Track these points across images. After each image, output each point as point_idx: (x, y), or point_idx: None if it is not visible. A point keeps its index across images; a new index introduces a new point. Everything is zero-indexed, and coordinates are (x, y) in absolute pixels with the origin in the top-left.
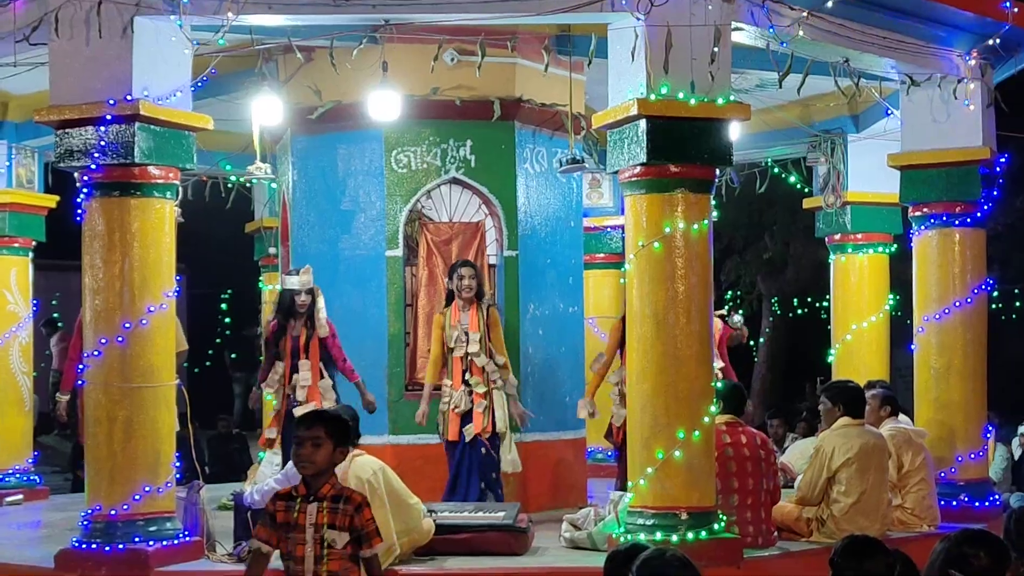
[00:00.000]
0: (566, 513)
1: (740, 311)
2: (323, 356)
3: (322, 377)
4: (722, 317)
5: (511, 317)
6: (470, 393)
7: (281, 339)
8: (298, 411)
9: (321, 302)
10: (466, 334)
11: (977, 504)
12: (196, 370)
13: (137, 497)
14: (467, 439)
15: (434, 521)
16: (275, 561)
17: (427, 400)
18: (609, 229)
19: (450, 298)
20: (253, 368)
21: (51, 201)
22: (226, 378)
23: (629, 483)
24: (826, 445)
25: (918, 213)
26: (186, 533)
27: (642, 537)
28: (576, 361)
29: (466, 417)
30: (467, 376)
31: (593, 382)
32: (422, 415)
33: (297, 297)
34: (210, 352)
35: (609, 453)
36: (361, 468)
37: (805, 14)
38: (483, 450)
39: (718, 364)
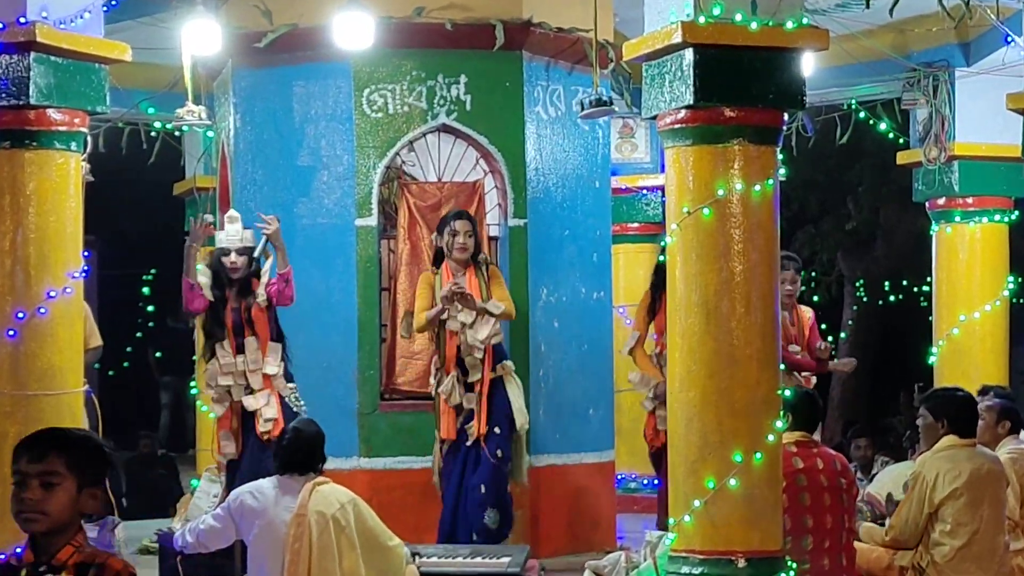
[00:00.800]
0: (589, 559)
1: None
2: (275, 331)
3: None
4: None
5: (518, 305)
6: (466, 384)
7: (221, 312)
8: (250, 403)
9: (266, 265)
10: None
11: None
12: (111, 373)
13: None
14: (469, 439)
15: (419, 569)
16: None
17: (437, 309)
18: (645, 191)
19: (439, 258)
20: (185, 371)
21: None
22: (149, 383)
23: (671, 520)
24: (927, 471)
25: None
26: None
27: None
28: (602, 362)
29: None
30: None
31: (642, 361)
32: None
33: (225, 258)
34: (128, 350)
35: (646, 482)
36: (325, 501)
37: None
38: (489, 456)
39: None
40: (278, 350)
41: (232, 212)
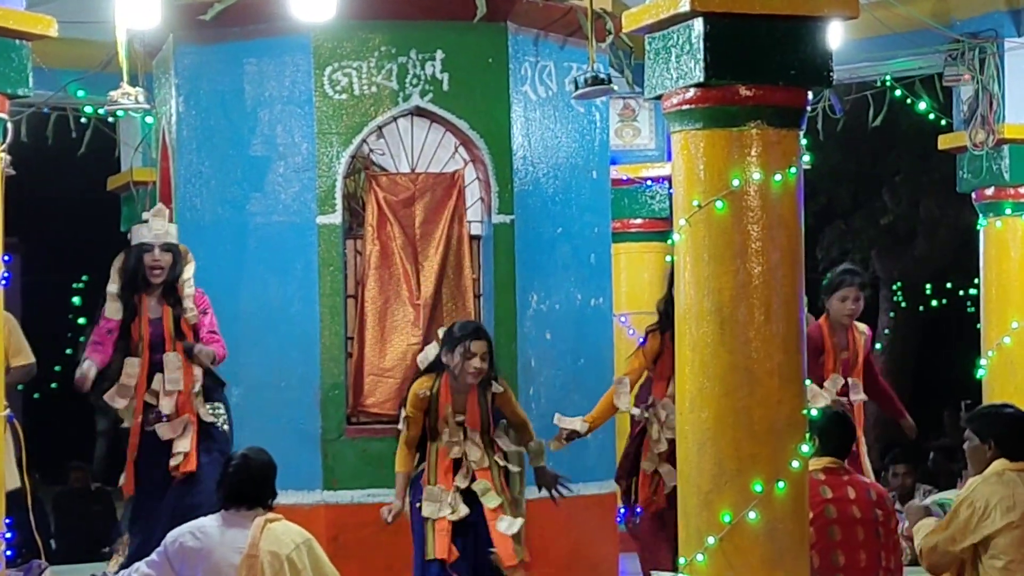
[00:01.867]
0: None
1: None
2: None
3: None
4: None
5: (504, 313)
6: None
7: (132, 323)
8: (164, 431)
9: (189, 271)
10: (463, 429)
11: None
12: (35, 395)
13: None
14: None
15: None
16: None
17: (402, 494)
18: (650, 182)
19: (437, 367)
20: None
21: None
22: (82, 407)
23: (681, 560)
24: (976, 498)
25: None
26: None
27: None
28: (601, 378)
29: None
30: (459, 478)
31: (600, 410)
32: (390, 513)
33: (148, 255)
34: (57, 369)
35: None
36: (278, 541)
37: None
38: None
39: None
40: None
41: (159, 206)
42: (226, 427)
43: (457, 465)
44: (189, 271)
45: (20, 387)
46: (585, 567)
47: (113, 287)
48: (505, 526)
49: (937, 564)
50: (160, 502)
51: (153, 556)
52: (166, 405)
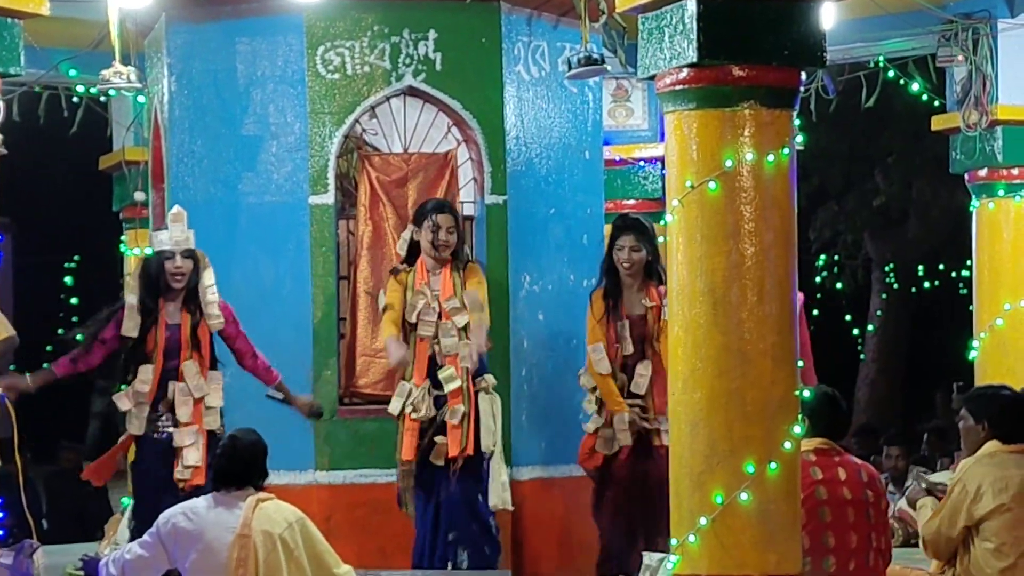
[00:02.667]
0: None
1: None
2: (213, 357)
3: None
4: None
5: (496, 295)
6: (437, 399)
7: (150, 331)
8: (180, 438)
9: (209, 277)
10: (436, 301)
11: None
12: (27, 373)
13: None
14: (435, 462)
15: None
16: None
17: (398, 344)
18: (643, 163)
19: (412, 253)
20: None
21: None
22: (73, 386)
23: (673, 540)
24: (968, 479)
25: None
26: None
27: None
28: None
29: (433, 432)
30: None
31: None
32: (398, 360)
33: (169, 262)
34: (48, 348)
35: None
36: (270, 520)
37: None
38: (456, 480)
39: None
40: (219, 380)
41: (177, 209)
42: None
43: (432, 364)
44: (210, 277)
45: (12, 367)
46: (577, 547)
47: (132, 298)
48: (495, 473)
49: (940, 549)
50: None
51: (145, 537)
52: (183, 413)
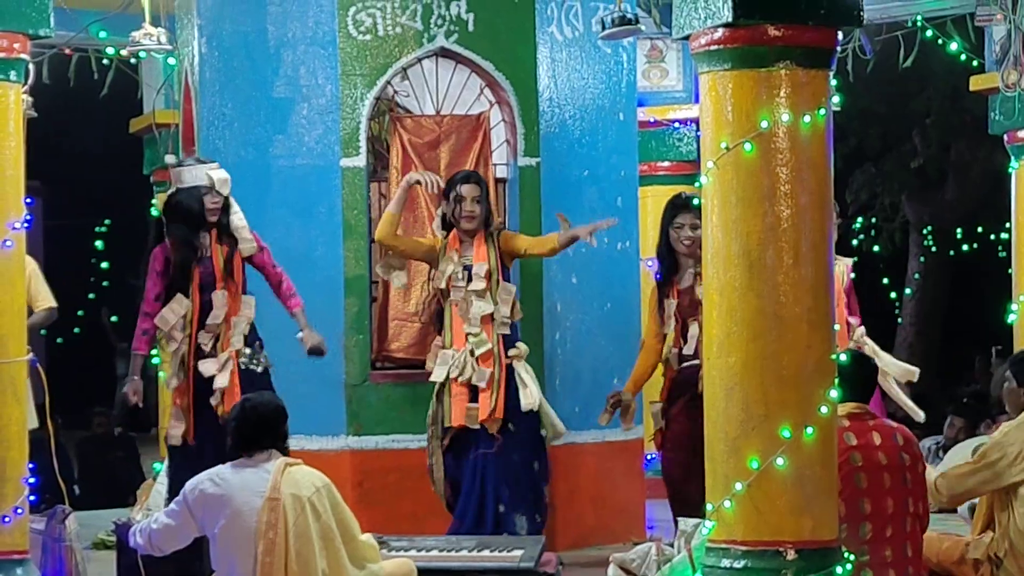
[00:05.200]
0: (614, 551)
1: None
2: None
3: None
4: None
5: (529, 259)
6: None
7: (190, 265)
8: (207, 367)
9: (235, 205)
10: (467, 270)
11: None
12: (59, 340)
13: None
14: (471, 425)
15: (414, 564)
16: None
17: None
18: (677, 124)
19: (446, 226)
20: None
21: None
22: (104, 351)
23: (708, 506)
24: (1008, 442)
25: None
26: None
27: None
28: (628, 323)
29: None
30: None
31: (638, 372)
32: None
33: (207, 197)
34: (80, 313)
35: None
36: (298, 484)
37: None
38: (492, 448)
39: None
40: (252, 303)
41: (196, 155)
42: (267, 369)
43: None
44: (236, 205)
45: (43, 332)
46: (612, 513)
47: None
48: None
49: (956, 497)
50: (199, 448)
51: (172, 505)
52: (206, 340)
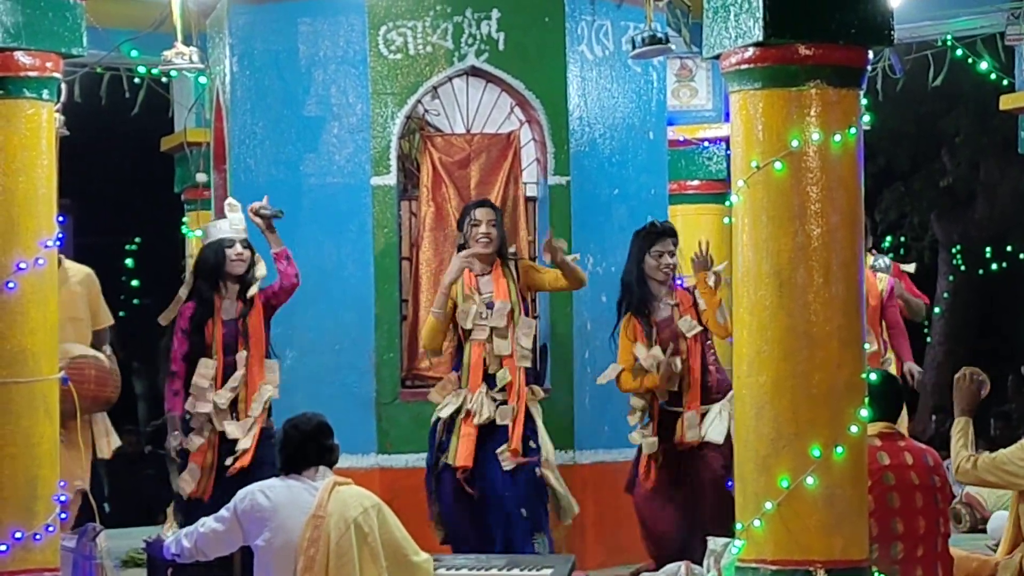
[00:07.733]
0: (643, 571)
1: (887, 255)
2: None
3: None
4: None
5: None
6: (495, 399)
7: (207, 322)
8: (233, 430)
9: (261, 269)
10: (488, 307)
11: None
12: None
13: (2, 548)
14: (505, 466)
15: None
16: None
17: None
18: (707, 143)
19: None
20: (158, 357)
21: None
22: (129, 369)
23: (738, 525)
24: None
25: None
26: None
27: None
28: None
29: (487, 434)
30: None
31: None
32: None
33: (230, 250)
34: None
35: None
36: (345, 504)
37: None
38: (525, 475)
39: (870, 347)
40: (275, 369)
41: (231, 200)
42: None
43: (486, 369)
44: (261, 269)
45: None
46: (611, 528)
47: (185, 290)
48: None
49: (980, 478)
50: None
51: (222, 512)
52: (223, 401)
